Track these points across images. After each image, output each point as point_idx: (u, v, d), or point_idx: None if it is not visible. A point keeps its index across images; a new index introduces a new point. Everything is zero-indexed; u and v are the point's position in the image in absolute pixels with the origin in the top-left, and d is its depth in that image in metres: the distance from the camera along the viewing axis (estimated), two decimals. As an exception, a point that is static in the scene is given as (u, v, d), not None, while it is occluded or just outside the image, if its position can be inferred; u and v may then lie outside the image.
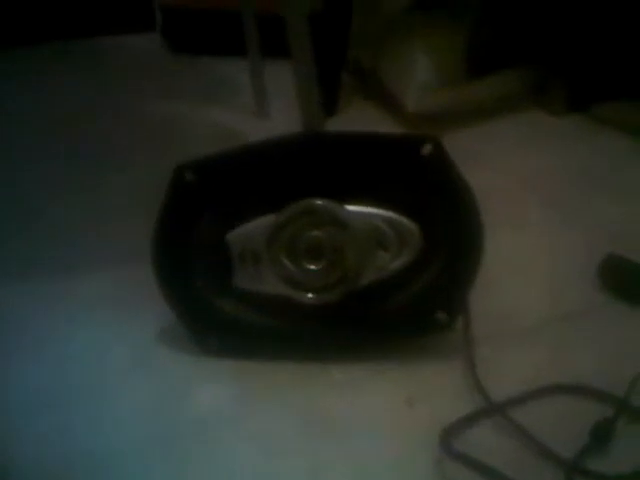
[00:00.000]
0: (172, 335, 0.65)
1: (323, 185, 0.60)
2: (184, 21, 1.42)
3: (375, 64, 1.19)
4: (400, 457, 0.55)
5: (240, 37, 1.22)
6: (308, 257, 0.61)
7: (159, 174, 0.92)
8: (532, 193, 0.90)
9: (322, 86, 1.11)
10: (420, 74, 1.11)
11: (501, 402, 0.57)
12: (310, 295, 0.61)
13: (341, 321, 0.62)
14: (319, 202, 0.60)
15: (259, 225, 0.60)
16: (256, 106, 1.16)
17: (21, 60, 1.32)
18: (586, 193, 0.89)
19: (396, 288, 0.61)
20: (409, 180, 0.60)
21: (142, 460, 0.55)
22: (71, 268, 0.76)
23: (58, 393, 0.61)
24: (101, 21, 1.47)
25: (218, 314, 0.62)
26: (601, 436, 0.53)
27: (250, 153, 0.62)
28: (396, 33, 1.17)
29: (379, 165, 0.60)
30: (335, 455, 0.55)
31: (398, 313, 0.62)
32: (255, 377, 0.62)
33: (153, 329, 0.66)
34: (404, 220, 0.60)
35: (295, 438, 0.57)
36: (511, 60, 1.12)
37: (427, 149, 0.59)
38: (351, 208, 0.60)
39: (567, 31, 1.08)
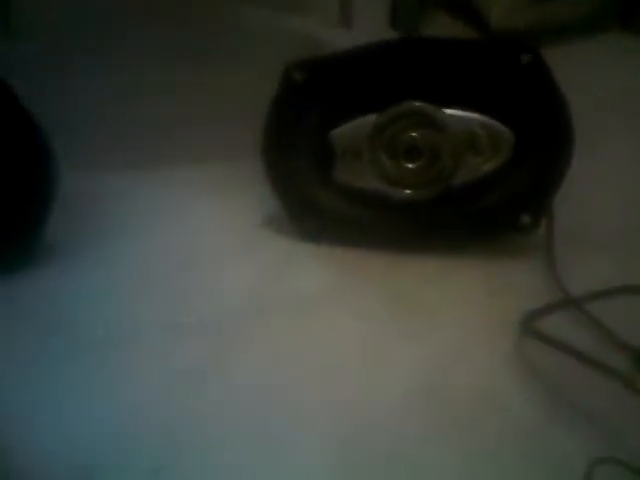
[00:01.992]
0: (277, 221, 0.72)
1: (423, 88, 0.64)
2: None
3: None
4: (481, 338, 0.61)
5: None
6: (406, 156, 0.66)
7: (244, 78, 0.98)
8: (613, 113, 0.93)
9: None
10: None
11: (578, 296, 0.63)
12: (406, 191, 0.66)
13: (432, 217, 0.67)
14: (418, 104, 0.64)
15: (361, 124, 0.65)
16: (340, 15, 1.18)
17: None
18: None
19: (486, 189, 0.66)
20: (506, 87, 0.64)
21: (241, 327, 0.62)
22: (186, 159, 0.82)
23: (170, 267, 0.68)
24: None
25: (318, 203, 0.68)
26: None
27: (355, 56, 0.66)
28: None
29: (478, 71, 0.64)
30: (420, 331, 0.61)
31: (486, 213, 0.67)
32: (349, 263, 0.68)
33: (259, 215, 0.73)
34: (499, 125, 0.64)
35: (385, 315, 0.63)
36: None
37: (526, 58, 0.63)
38: (448, 111, 0.64)
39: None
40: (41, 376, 0.58)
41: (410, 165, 0.66)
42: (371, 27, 1.18)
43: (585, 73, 1.04)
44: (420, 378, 0.58)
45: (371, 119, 0.65)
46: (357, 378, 0.58)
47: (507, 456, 0.52)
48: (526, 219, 0.66)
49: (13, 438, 0.53)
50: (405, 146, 0.65)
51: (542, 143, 0.65)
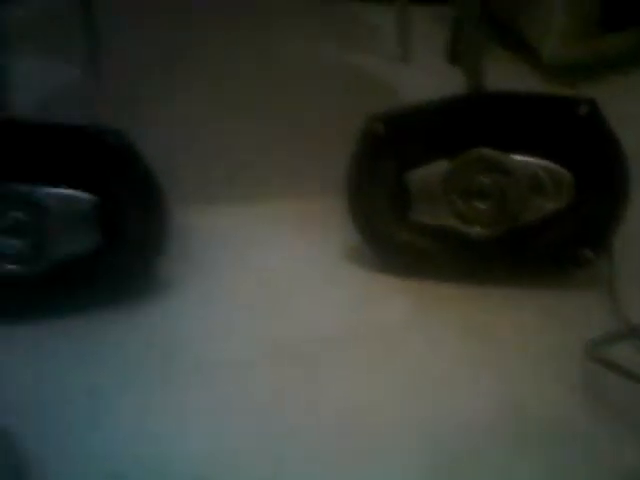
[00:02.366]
0: (357, 255, 0.79)
1: (490, 138, 0.72)
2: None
3: (512, 13, 1.26)
4: (548, 366, 0.67)
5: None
6: (476, 197, 0.73)
7: (313, 111, 1.06)
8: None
9: (459, 32, 1.19)
10: (557, 25, 1.17)
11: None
12: (477, 229, 0.74)
13: (501, 252, 0.75)
14: (487, 151, 0.72)
15: (435, 168, 0.73)
16: (400, 52, 1.26)
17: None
18: None
19: (549, 227, 0.73)
20: (567, 135, 0.71)
21: (327, 356, 0.69)
22: (271, 192, 0.91)
23: (262, 298, 0.76)
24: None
25: (396, 239, 0.76)
26: None
27: (429, 108, 0.74)
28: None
29: (539, 122, 0.72)
30: (491, 359, 0.68)
31: (549, 248, 0.74)
32: (425, 294, 0.75)
33: (341, 248, 0.80)
34: (560, 169, 0.72)
35: (459, 344, 0.70)
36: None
37: (584, 109, 0.70)
38: (514, 157, 0.72)
39: None
40: (159, 402, 0.65)
41: (481, 205, 0.73)
42: (429, 62, 1.26)
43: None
44: (492, 406, 0.64)
45: (444, 164, 0.73)
46: (435, 404, 0.65)
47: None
48: (587, 254, 0.74)
49: (147, 462, 0.60)
50: (475, 188, 0.73)
51: (599, 185, 0.72)
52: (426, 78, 1.21)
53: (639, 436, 0.60)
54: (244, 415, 0.64)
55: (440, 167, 0.73)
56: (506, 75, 1.22)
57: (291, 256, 0.82)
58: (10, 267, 0.69)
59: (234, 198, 0.90)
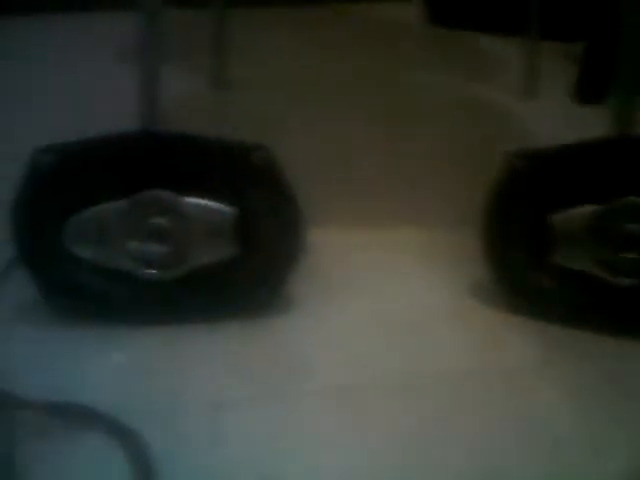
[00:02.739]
0: (484, 292, 0.78)
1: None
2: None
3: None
4: None
5: (507, 15, 1.28)
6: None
7: (436, 142, 1.05)
8: None
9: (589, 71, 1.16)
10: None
11: None
12: (625, 279, 0.70)
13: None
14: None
15: (582, 212, 0.70)
16: (526, 85, 1.24)
17: (269, 21, 1.45)
18: None
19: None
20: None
21: (453, 392, 0.68)
22: (400, 222, 0.90)
23: (384, 326, 0.75)
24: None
25: (531, 281, 0.74)
26: None
27: (575, 150, 0.71)
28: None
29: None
30: (630, 416, 0.65)
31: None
32: (557, 338, 0.73)
33: (467, 284, 0.79)
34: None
35: (594, 395, 0.67)
36: None
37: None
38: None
39: None
40: (283, 420, 0.65)
41: (629, 255, 0.71)
42: (555, 99, 1.24)
43: None
44: (620, 460, 0.61)
45: (590, 209, 0.71)
46: (568, 455, 0.62)
47: None
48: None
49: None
50: (622, 235, 0.70)
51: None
52: (552, 114, 1.19)
53: None
54: (364, 440, 0.63)
55: (587, 211, 0.71)
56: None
57: (417, 287, 0.81)
58: (150, 271, 0.71)
59: (363, 223, 0.90)
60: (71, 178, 0.69)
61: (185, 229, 0.70)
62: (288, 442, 0.63)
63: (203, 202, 0.70)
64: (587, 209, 0.71)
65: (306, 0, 1.52)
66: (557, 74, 1.27)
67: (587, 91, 1.18)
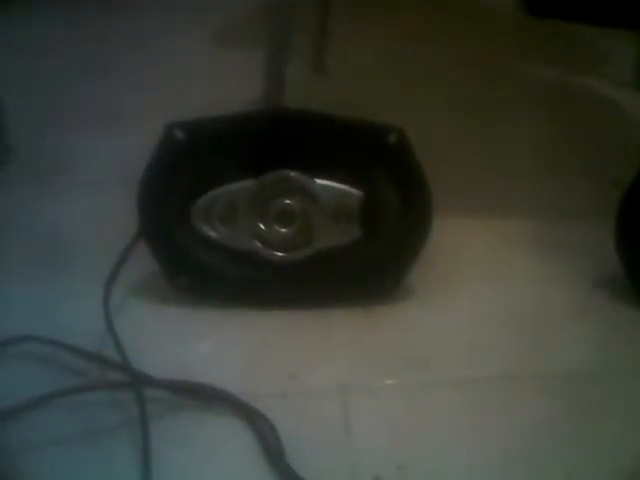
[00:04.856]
0: (611, 286, 0.75)
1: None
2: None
3: None
4: None
5: (615, 6, 1.24)
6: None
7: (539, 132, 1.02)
8: None
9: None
10: None
11: None
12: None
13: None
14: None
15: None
16: (635, 79, 1.18)
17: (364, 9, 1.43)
18: None
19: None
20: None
21: (581, 390, 0.65)
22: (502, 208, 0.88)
23: (504, 320, 0.73)
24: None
25: None
26: None
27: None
28: None
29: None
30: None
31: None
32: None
33: (595, 278, 0.76)
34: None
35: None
36: None
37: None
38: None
39: None
40: (395, 409, 0.64)
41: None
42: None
43: None
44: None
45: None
46: None
47: None
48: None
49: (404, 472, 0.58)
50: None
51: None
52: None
53: None
54: (490, 431, 0.61)
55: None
56: None
57: (537, 280, 0.78)
58: (276, 253, 0.70)
59: (477, 213, 0.88)
60: (202, 156, 0.68)
61: (312, 211, 0.69)
62: (416, 431, 0.61)
63: (332, 184, 0.69)
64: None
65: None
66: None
67: None
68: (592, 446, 0.61)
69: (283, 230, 0.70)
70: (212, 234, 0.69)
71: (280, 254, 0.70)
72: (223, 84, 1.10)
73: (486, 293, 0.76)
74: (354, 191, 0.69)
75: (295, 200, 0.69)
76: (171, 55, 1.25)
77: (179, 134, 0.67)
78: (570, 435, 0.62)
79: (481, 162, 0.98)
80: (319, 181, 0.69)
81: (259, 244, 0.70)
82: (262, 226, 0.69)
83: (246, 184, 0.69)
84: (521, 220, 0.86)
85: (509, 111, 1.11)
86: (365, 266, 0.72)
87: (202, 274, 0.71)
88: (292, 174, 0.69)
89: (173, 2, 1.46)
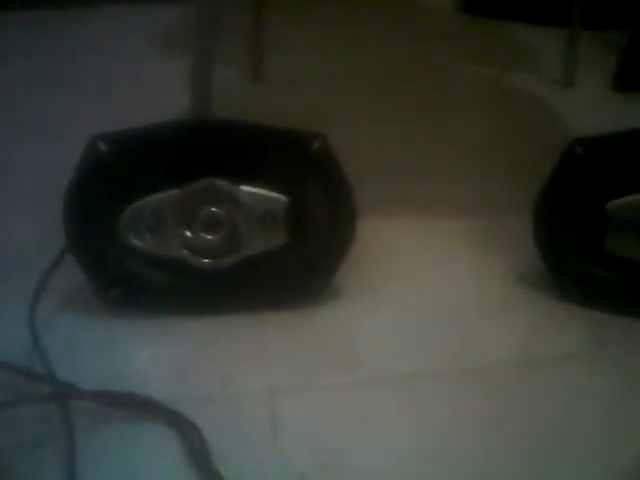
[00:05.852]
0: (535, 279, 0.77)
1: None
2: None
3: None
4: None
5: (546, 5, 1.27)
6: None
7: (475, 132, 1.04)
8: None
9: (630, 59, 1.15)
10: None
11: None
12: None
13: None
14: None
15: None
16: (564, 76, 1.23)
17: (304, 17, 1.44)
18: None
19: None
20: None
21: (505, 382, 0.67)
22: (449, 208, 0.90)
23: (436, 315, 0.75)
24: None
25: (583, 270, 0.72)
26: None
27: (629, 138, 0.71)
28: None
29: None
30: None
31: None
32: (608, 326, 0.72)
33: (519, 271, 0.79)
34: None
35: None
36: None
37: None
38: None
39: None
40: (324, 409, 0.65)
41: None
42: (593, 88, 1.22)
43: None
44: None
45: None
46: (614, 439, 0.62)
47: None
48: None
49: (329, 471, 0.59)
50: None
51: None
52: (590, 104, 1.18)
53: None
54: (418, 427, 0.63)
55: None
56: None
57: (466, 275, 0.80)
58: (204, 260, 0.71)
59: (410, 212, 0.90)
60: (126, 167, 0.69)
61: (239, 218, 0.70)
62: (344, 430, 0.62)
63: (257, 191, 0.70)
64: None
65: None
66: (595, 63, 1.26)
67: (628, 79, 1.17)
68: (517, 436, 0.62)
69: (210, 237, 0.70)
70: (140, 244, 0.70)
71: (208, 261, 0.71)
72: (161, 93, 1.11)
73: (417, 291, 0.78)
74: (280, 197, 0.70)
75: (221, 207, 0.70)
76: (111, 66, 1.25)
77: (102, 146, 0.68)
78: (498, 426, 0.63)
79: (417, 162, 1.01)
80: (245, 188, 0.70)
81: (187, 252, 0.70)
82: (189, 234, 0.70)
83: (172, 193, 0.69)
84: (455, 219, 0.89)
85: (445, 111, 1.14)
86: (294, 269, 0.73)
87: (133, 284, 0.72)
88: (217, 182, 0.69)
89: (111, 11, 1.46)
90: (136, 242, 0.70)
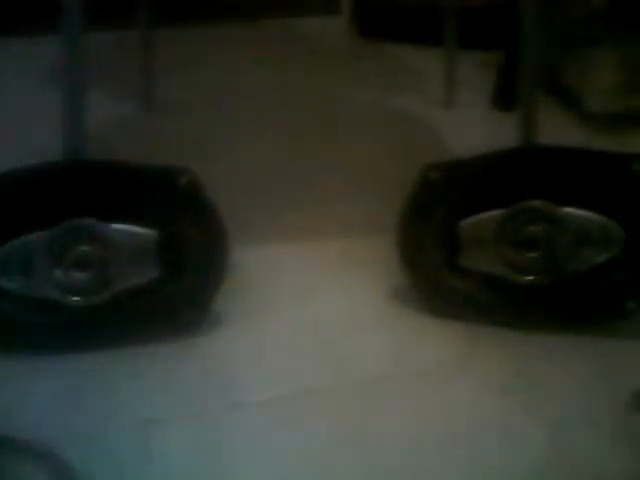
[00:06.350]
0: (404, 297, 0.81)
1: (542, 190, 0.74)
2: (377, 8, 1.55)
3: (559, 62, 1.28)
4: (590, 413, 0.69)
5: (432, 27, 1.33)
6: (526, 246, 0.75)
7: (359, 155, 1.08)
8: None
9: (508, 78, 1.22)
10: (604, 78, 1.20)
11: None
12: (525, 277, 0.76)
13: (547, 300, 0.77)
14: (540, 203, 0.74)
15: (487, 217, 0.75)
16: (445, 96, 1.28)
17: (198, 39, 1.47)
18: None
19: (596, 278, 0.75)
20: (618, 190, 0.74)
21: (372, 396, 0.71)
22: (320, 233, 0.94)
23: (311, 336, 0.78)
24: (286, 2, 1.62)
25: (444, 284, 0.78)
26: None
27: (482, 160, 0.76)
28: (584, 36, 1.26)
29: (590, 176, 0.74)
30: (536, 404, 0.69)
31: (595, 299, 0.76)
32: (472, 338, 0.77)
33: (388, 290, 0.83)
34: (610, 223, 0.73)
35: (506, 387, 0.72)
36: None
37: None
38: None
39: None
40: (211, 436, 0.67)
41: (530, 254, 0.75)
42: (474, 107, 1.28)
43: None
44: (537, 452, 0.65)
45: (495, 214, 0.75)
46: (480, 446, 0.66)
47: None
48: (631, 305, 0.76)
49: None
50: (526, 238, 0.75)
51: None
52: (471, 124, 1.24)
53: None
54: (284, 453, 0.65)
55: (492, 216, 0.76)
56: (553, 123, 1.25)
57: (338, 295, 0.84)
58: (74, 299, 0.73)
59: (283, 237, 0.93)
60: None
61: (108, 255, 0.72)
62: (217, 457, 0.65)
63: (127, 227, 0.72)
64: (493, 214, 0.76)
65: (233, 17, 1.55)
66: (476, 82, 1.32)
67: (505, 98, 1.24)
68: (388, 444, 0.66)
69: (81, 276, 0.73)
70: (10, 285, 0.72)
71: (79, 299, 0.73)
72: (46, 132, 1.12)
73: (293, 313, 0.81)
74: (150, 232, 0.73)
75: (91, 246, 0.72)
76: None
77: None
78: (368, 437, 0.67)
79: (295, 186, 1.04)
80: (115, 226, 0.73)
81: (57, 291, 0.72)
82: (60, 274, 0.72)
83: (41, 234, 0.71)
84: (329, 240, 0.93)
85: (331, 134, 1.19)
86: (170, 301, 0.75)
87: (6, 326, 0.73)
88: (85, 221, 0.72)
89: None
90: (6, 284, 0.71)
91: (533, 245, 0.75)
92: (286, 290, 0.85)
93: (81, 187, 0.72)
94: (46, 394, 0.70)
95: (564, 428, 0.68)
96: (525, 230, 0.75)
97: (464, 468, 0.64)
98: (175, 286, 0.75)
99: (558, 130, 1.17)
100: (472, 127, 1.21)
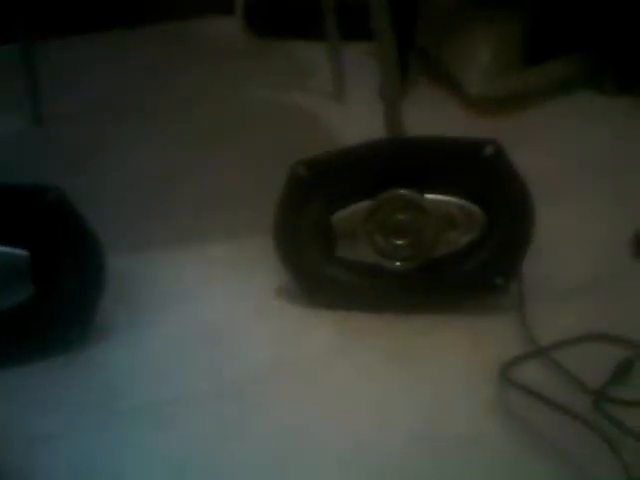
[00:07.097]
0: (286, 292, 0.84)
1: (407, 179, 0.77)
2: (266, 5, 1.56)
3: (439, 49, 1.32)
4: (465, 387, 0.72)
5: (317, 21, 1.35)
6: (395, 234, 0.78)
7: (250, 154, 1.10)
8: (581, 170, 1.05)
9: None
10: (481, 61, 1.25)
11: (546, 346, 0.75)
12: (396, 263, 0.79)
13: (419, 284, 0.80)
14: (404, 192, 0.77)
15: (357, 209, 0.78)
16: (334, 90, 1.31)
17: (100, 44, 1.48)
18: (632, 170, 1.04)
19: (463, 258, 0.79)
20: (474, 174, 0.77)
21: (258, 389, 0.73)
22: (203, 236, 0.95)
23: (197, 337, 0.80)
24: (180, 4, 1.62)
25: (323, 275, 0.81)
26: (622, 371, 0.70)
27: (350, 153, 0.79)
28: (458, 21, 1.31)
29: (451, 163, 0.77)
30: (412, 382, 0.73)
31: (464, 278, 0.80)
32: (351, 325, 0.80)
33: (270, 287, 0.85)
34: (470, 205, 0.77)
35: (382, 369, 0.75)
36: (566, 47, 1.24)
37: (489, 151, 0.76)
38: (428, 196, 0.78)
39: (617, 19, 1.21)
40: (99, 449, 0.68)
41: (399, 241, 0.79)
42: (363, 99, 1.31)
43: (560, 132, 1.16)
44: (411, 423, 0.69)
45: (365, 205, 0.78)
46: (357, 423, 0.69)
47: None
48: (499, 281, 0.79)
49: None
50: (393, 226, 0.78)
51: (507, 219, 0.78)
52: (359, 115, 1.26)
53: (543, 451, 0.65)
54: (169, 458, 0.67)
55: (361, 207, 0.78)
56: (434, 106, 1.29)
57: (223, 296, 0.86)
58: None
59: (166, 241, 0.95)
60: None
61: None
62: (106, 465, 0.66)
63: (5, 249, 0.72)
64: (362, 205, 0.78)
65: (126, 23, 1.54)
66: (365, 73, 1.35)
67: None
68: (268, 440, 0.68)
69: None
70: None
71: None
72: None
73: (177, 319, 0.83)
74: (20, 252, 0.73)
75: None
76: None
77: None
78: (244, 435, 0.68)
79: (186, 190, 1.05)
80: (-1, 248, 0.73)
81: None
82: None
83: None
84: (214, 244, 0.94)
85: (222, 135, 1.20)
86: (49, 319, 0.76)
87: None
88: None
89: None
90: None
91: (401, 232, 0.79)
92: (170, 297, 0.85)
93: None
94: None
95: (438, 399, 0.71)
96: (393, 218, 0.79)
97: (345, 446, 0.67)
98: (52, 303, 0.75)
99: (443, 116, 1.24)
100: (360, 119, 1.23)
